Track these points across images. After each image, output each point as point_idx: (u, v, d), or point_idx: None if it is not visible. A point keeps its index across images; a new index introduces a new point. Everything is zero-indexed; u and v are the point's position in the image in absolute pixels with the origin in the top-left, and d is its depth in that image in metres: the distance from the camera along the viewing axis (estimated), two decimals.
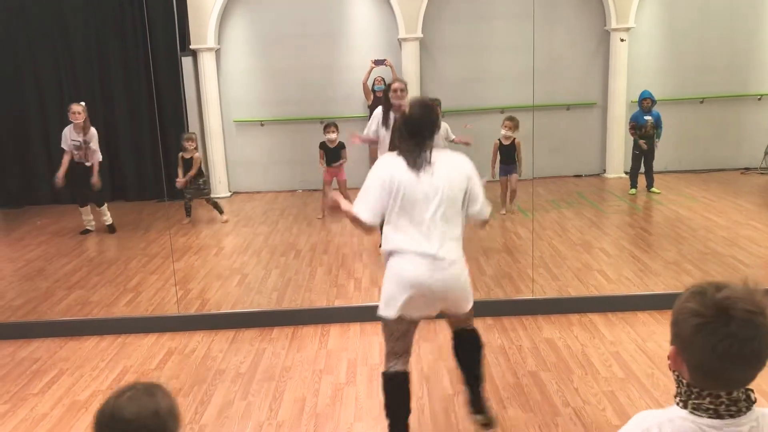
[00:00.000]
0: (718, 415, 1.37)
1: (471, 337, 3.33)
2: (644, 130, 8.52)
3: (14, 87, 9.28)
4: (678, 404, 1.44)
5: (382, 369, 3.20)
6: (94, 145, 7.42)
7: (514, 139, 7.52)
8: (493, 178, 7.51)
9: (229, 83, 9.78)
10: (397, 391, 3.16)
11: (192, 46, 9.42)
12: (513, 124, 7.44)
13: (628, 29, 9.45)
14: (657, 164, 8.68)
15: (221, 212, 8.08)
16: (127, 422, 1.60)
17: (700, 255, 6.00)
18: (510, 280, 5.59)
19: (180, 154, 7.93)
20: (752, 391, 1.41)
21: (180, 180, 7.83)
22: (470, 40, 9.54)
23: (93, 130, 7.43)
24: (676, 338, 1.41)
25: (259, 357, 4.37)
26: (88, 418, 3.71)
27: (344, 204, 3.12)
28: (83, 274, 6.24)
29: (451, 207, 2.97)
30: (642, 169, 8.62)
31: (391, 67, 9.42)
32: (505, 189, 7.87)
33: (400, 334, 3.10)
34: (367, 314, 4.90)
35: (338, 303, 5.25)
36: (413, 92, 9.49)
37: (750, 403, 1.39)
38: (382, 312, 3.09)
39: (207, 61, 9.47)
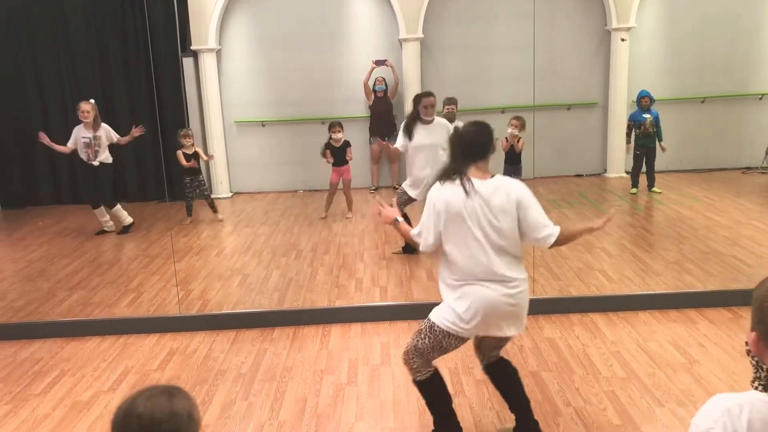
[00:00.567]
0: None
1: (506, 367, 3.30)
2: (643, 129, 8.51)
3: (16, 88, 9.30)
4: (756, 388, 1.45)
5: (415, 378, 3.19)
6: (106, 140, 7.41)
7: (520, 138, 7.51)
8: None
9: (230, 84, 9.79)
10: (439, 389, 3.23)
11: (193, 47, 9.43)
12: (520, 123, 7.42)
13: (628, 29, 9.45)
14: (658, 164, 8.68)
15: (215, 211, 8.14)
16: (138, 417, 1.58)
17: (702, 254, 6.00)
18: None
19: (179, 151, 7.94)
20: None
21: (185, 164, 7.89)
22: (471, 40, 9.55)
23: (105, 126, 7.43)
24: (759, 324, 1.43)
25: (260, 357, 4.37)
26: (89, 418, 3.71)
27: (403, 227, 3.28)
28: (85, 274, 6.24)
29: (497, 232, 2.95)
30: (643, 168, 8.62)
31: (392, 67, 9.43)
32: None
33: (447, 349, 3.15)
34: (368, 314, 4.92)
35: (339, 303, 5.25)
36: (414, 92, 9.50)
37: None
38: (451, 327, 3.06)
39: (208, 62, 9.48)
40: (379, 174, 9.68)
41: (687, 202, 7.96)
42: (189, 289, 5.71)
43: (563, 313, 4.82)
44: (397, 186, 9.66)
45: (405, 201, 6.29)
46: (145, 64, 9.11)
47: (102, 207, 7.65)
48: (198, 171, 8.09)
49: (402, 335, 4.61)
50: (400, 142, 6.28)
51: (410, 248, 6.35)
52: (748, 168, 9.64)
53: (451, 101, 7.83)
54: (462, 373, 4.01)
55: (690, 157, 9.69)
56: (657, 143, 8.53)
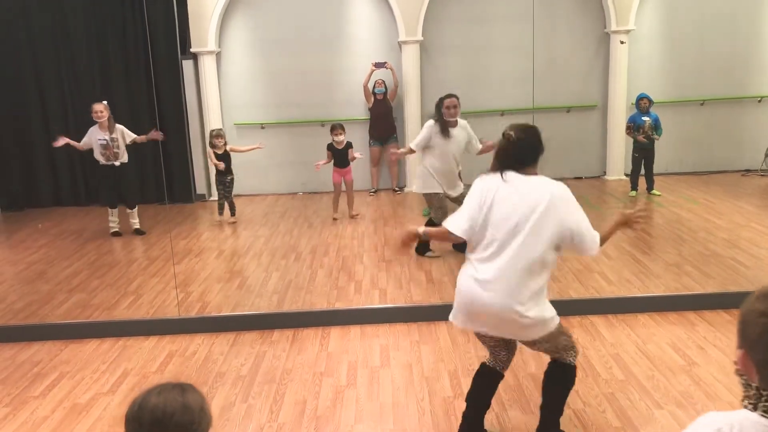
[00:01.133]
0: None
1: (554, 372, 3.22)
2: (642, 131, 8.52)
3: (16, 90, 9.30)
4: (747, 407, 1.42)
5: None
6: (123, 140, 7.42)
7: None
8: None
9: (229, 86, 9.80)
10: (479, 386, 3.25)
11: (193, 50, 9.44)
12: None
13: (628, 31, 9.47)
14: (657, 166, 8.69)
15: (233, 213, 8.19)
16: (151, 410, 1.59)
17: (701, 257, 6.00)
18: None
19: (210, 150, 7.99)
20: None
21: (217, 163, 7.94)
22: (470, 43, 9.56)
23: (119, 127, 7.43)
24: (744, 341, 1.40)
25: (259, 359, 4.37)
26: (89, 421, 3.71)
27: (432, 230, 3.31)
28: (84, 277, 6.24)
29: (527, 231, 2.90)
30: (642, 171, 8.62)
31: (391, 69, 9.44)
32: None
33: (482, 338, 3.24)
34: (367, 316, 4.92)
35: (339, 305, 5.25)
36: (414, 95, 9.54)
37: None
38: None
39: (208, 64, 9.49)
40: (379, 176, 9.69)
41: (686, 204, 7.96)
42: (188, 291, 5.71)
43: (562, 316, 4.74)
44: (396, 189, 9.69)
45: (441, 199, 6.27)
46: (145, 66, 9.12)
47: (117, 208, 7.63)
48: (229, 171, 8.10)
49: (401, 337, 4.61)
50: (418, 142, 6.27)
51: (426, 248, 6.40)
52: (748, 170, 9.64)
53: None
54: (462, 375, 4.01)
55: (689, 159, 9.70)
56: (654, 144, 8.55)
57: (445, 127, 6.13)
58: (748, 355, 1.39)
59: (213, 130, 8.18)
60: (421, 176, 6.35)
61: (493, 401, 3.68)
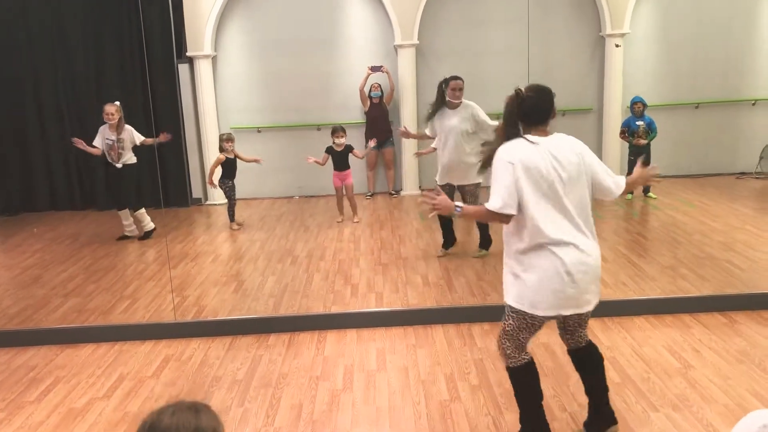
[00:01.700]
0: None
1: (592, 354, 3.28)
2: (637, 136, 8.54)
3: (12, 93, 9.28)
4: None
5: (508, 364, 3.15)
6: (130, 142, 7.38)
7: None
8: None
9: (225, 90, 9.79)
10: (531, 381, 3.17)
11: (188, 53, 9.44)
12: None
13: (623, 35, 9.49)
14: None
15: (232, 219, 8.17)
16: None
17: (697, 259, 6.02)
18: None
19: (221, 155, 7.97)
20: None
21: (211, 181, 7.97)
22: (466, 46, 9.58)
23: (128, 128, 7.40)
24: None
25: (255, 364, 4.37)
26: (84, 426, 3.70)
27: (470, 208, 3.22)
28: (80, 281, 6.23)
29: (568, 184, 2.95)
30: None
31: (387, 73, 9.45)
32: None
33: (533, 328, 3.09)
34: (363, 320, 4.92)
35: (335, 309, 5.25)
36: (410, 98, 9.55)
37: None
38: (528, 309, 3.02)
39: (203, 68, 9.48)
40: (375, 180, 9.70)
41: (682, 207, 7.98)
42: (184, 295, 5.71)
43: None
44: (393, 192, 9.69)
45: (446, 192, 6.26)
46: (141, 70, 9.11)
47: (127, 210, 7.60)
48: (235, 175, 8.08)
49: (398, 341, 4.61)
50: (429, 127, 6.34)
51: (449, 243, 6.46)
52: (743, 173, 9.67)
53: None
54: (458, 379, 4.01)
55: (684, 162, 9.71)
56: (650, 147, 8.57)
57: (440, 106, 6.14)
58: None
59: (223, 134, 8.15)
60: (445, 173, 6.36)
61: (489, 405, 3.69)
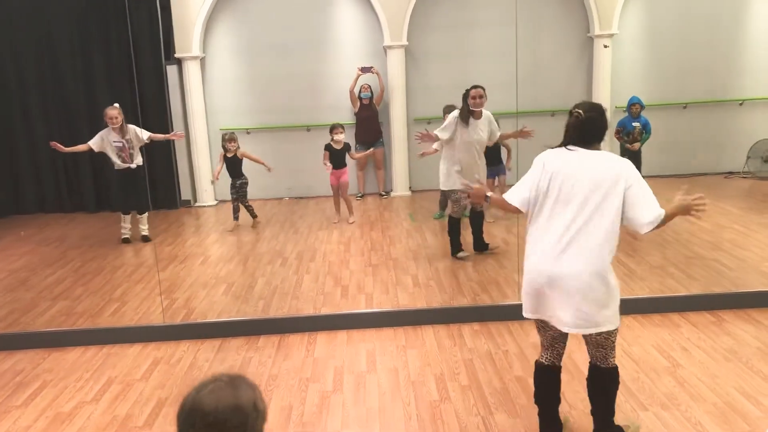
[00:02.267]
0: None
1: (604, 376, 3.18)
2: (632, 137, 8.57)
3: None
4: None
5: (538, 359, 3.31)
6: (136, 141, 7.31)
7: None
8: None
9: (214, 91, 9.76)
10: (547, 382, 3.27)
11: (177, 55, 9.40)
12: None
13: (611, 35, 9.54)
14: (642, 169, 8.75)
15: (254, 215, 8.15)
16: (205, 414, 1.55)
17: (685, 259, 6.05)
18: (496, 286, 5.60)
19: (222, 153, 7.97)
20: None
21: (215, 175, 7.99)
22: (455, 47, 9.60)
23: (131, 127, 7.32)
24: None
25: (245, 365, 4.35)
26: (72, 429, 3.68)
27: (497, 198, 3.29)
28: (68, 284, 6.19)
29: (592, 202, 2.95)
30: None
31: (377, 74, 9.45)
32: (492, 191, 7.89)
33: (546, 329, 3.22)
34: (354, 321, 4.91)
35: (325, 311, 5.24)
36: (400, 99, 9.56)
37: None
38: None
39: (192, 70, 9.45)
40: (365, 180, 9.69)
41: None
42: (173, 297, 5.68)
43: None
44: (383, 193, 9.69)
45: (457, 198, 6.30)
46: (129, 71, 9.05)
47: (130, 214, 7.54)
48: (240, 174, 8.05)
49: (388, 342, 4.60)
50: (444, 130, 6.26)
51: (483, 245, 6.52)
52: (730, 173, 9.74)
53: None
54: (448, 380, 4.01)
55: (672, 162, 9.76)
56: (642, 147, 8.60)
57: (468, 117, 6.15)
58: None
59: (226, 133, 8.13)
60: (444, 173, 6.38)
61: (479, 406, 3.69)
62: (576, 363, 4.14)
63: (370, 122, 9.48)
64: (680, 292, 5.20)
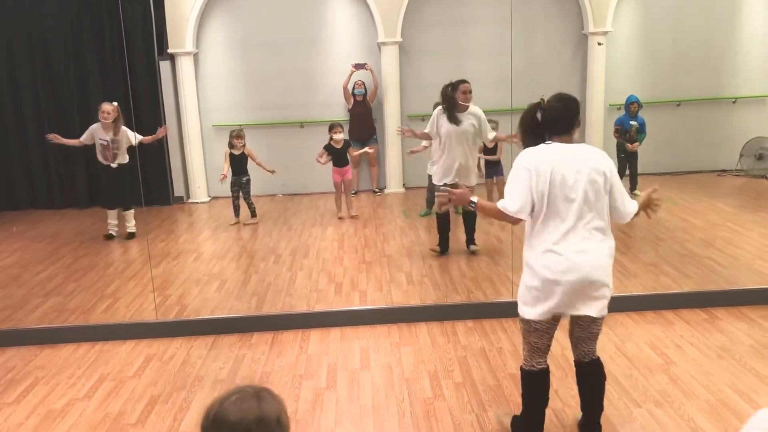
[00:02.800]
0: None
1: (595, 372, 3.20)
2: (628, 135, 8.59)
3: None
4: None
5: (521, 365, 3.22)
6: (126, 142, 7.28)
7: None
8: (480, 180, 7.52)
9: (207, 88, 9.72)
10: (537, 390, 3.19)
11: (170, 50, 9.36)
12: (494, 123, 7.46)
13: (605, 33, 9.55)
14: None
15: (254, 215, 8.10)
16: (231, 425, 1.54)
17: (678, 256, 6.06)
18: (490, 283, 5.60)
19: (228, 151, 7.91)
20: None
21: (223, 174, 7.91)
22: (449, 44, 9.59)
23: (124, 129, 7.27)
24: None
25: (238, 363, 4.34)
26: (64, 427, 3.65)
27: (483, 203, 3.17)
28: (60, 280, 6.15)
29: (583, 194, 2.93)
30: (626, 172, 8.69)
31: (371, 71, 9.43)
32: (491, 191, 7.92)
33: (541, 332, 3.11)
34: (347, 318, 4.90)
35: (318, 308, 5.23)
36: (393, 96, 9.54)
37: None
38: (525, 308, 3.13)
39: (185, 65, 9.41)
40: (359, 177, 9.68)
41: (663, 204, 8.02)
42: (166, 294, 5.65)
43: None
44: (376, 190, 9.68)
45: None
46: (121, 67, 9.01)
47: (116, 210, 7.50)
48: (245, 172, 8.01)
49: (381, 339, 4.59)
50: (432, 128, 6.27)
51: (446, 246, 6.43)
52: (723, 171, 9.77)
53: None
54: (442, 377, 4.01)
55: (666, 159, 9.80)
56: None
57: (452, 112, 6.12)
58: None
59: (233, 131, 8.08)
60: (436, 167, 6.35)
61: (473, 403, 3.69)
62: (569, 360, 4.13)
63: (363, 119, 9.47)
64: (673, 290, 5.22)
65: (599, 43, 9.52)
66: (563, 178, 2.92)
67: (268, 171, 8.01)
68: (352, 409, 3.71)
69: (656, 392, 3.73)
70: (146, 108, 9.04)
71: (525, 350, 3.18)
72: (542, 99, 3.11)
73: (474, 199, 3.13)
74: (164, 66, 9.34)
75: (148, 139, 7.44)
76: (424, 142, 6.63)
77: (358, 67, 9.33)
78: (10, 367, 4.42)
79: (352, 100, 9.46)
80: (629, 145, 8.52)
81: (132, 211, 7.55)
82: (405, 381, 3.99)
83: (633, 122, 8.57)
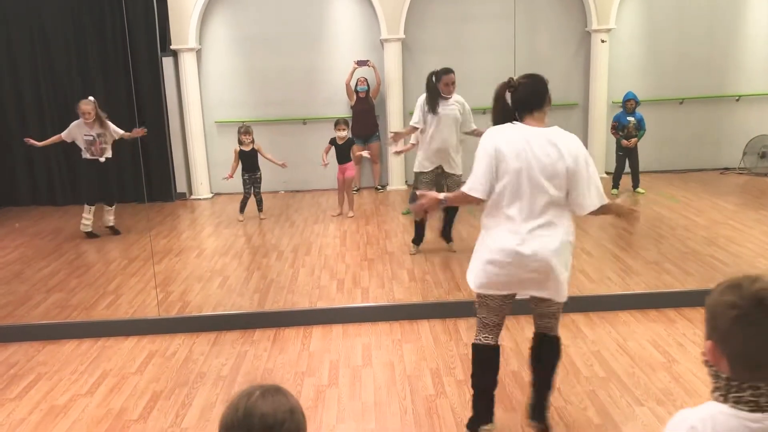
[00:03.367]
0: (759, 408, 1.38)
1: (548, 347, 3.25)
2: (626, 131, 8.58)
3: None
4: (717, 399, 1.44)
5: (474, 340, 3.26)
6: (110, 137, 7.27)
7: None
8: None
9: (210, 84, 9.72)
10: (485, 364, 3.22)
11: (173, 47, 9.35)
12: None
13: (608, 30, 9.52)
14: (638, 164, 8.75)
15: (261, 210, 8.09)
16: (263, 417, 1.54)
17: (680, 254, 6.06)
18: None
19: (237, 148, 7.91)
20: None
21: (229, 174, 7.90)
22: (452, 41, 9.57)
23: (108, 122, 7.25)
24: (713, 332, 1.42)
25: (240, 359, 4.34)
26: (66, 423, 3.66)
27: (452, 195, 3.26)
28: (62, 276, 6.16)
29: (546, 179, 2.94)
30: (627, 169, 8.68)
31: (373, 67, 9.42)
32: None
33: (492, 307, 3.17)
34: (349, 315, 4.91)
35: (321, 304, 5.23)
36: (396, 93, 9.53)
37: None
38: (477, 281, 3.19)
39: (188, 62, 9.40)
40: (361, 174, 9.67)
41: (666, 202, 8.03)
42: (168, 290, 5.66)
43: None
44: (379, 186, 9.68)
45: (428, 181, 6.18)
46: (124, 63, 9.01)
47: (95, 206, 7.47)
48: (256, 168, 8.00)
49: (383, 336, 4.60)
50: (416, 119, 6.25)
51: (420, 239, 6.44)
52: (726, 169, 9.75)
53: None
54: (443, 374, 4.01)
55: (668, 157, 9.78)
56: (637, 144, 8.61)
57: (434, 102, 6.11)
58: (717, 346, 1.42)
59: (241, 127, 8.08)
60: (418, 156, 6.33)
61: None
62: (572, 358, 4.14)
63: (366, 116, 9.46)
64: (676, 288, 5.21)
65: (603, 41, 9.50)
66: (524, 161, 2.92)
67: (279, 164, 7.99)
68: (354, 406, 3.71)
69: (658, 390, 3.72)
70: (149, 104, 9.04)
71: (477, 324, 3.24)
72: (511, 78, 3.13)
73: (441, 196, 3.24)
74: (167, 62, 9.34)
75: (127, 135, 7.40)
76: (412, 139, 6.59)
77: (361, 63, 9.32)
78: (12, 363, 4.43)
79: (354, 97, 9.45)
80: (625, 141, 8.52)
81: (114, 206, 7.54)
82: (407, 378, 4.00)
83: (630, 118, 8.56)
